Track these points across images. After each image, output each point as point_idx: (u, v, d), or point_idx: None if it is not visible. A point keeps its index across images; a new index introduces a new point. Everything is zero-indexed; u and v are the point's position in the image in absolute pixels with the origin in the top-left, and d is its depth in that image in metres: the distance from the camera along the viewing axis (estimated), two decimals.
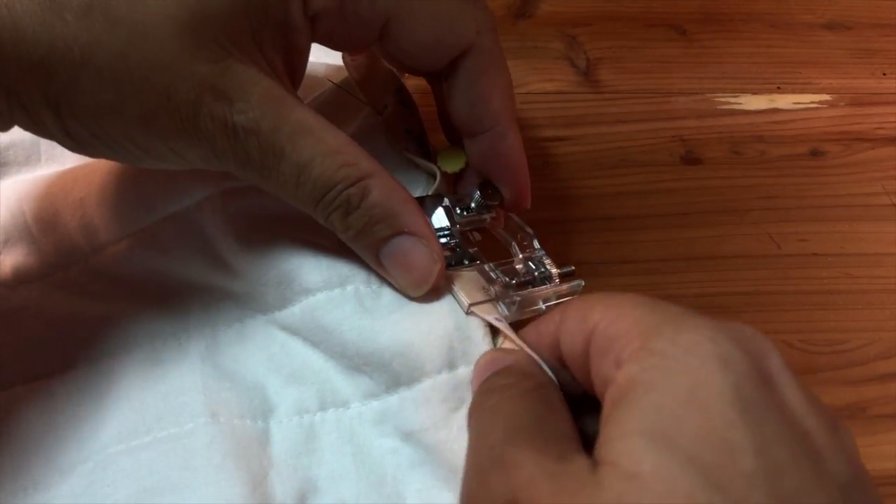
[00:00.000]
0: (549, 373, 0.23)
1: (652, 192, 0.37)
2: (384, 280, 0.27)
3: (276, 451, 0.25)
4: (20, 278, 0.29)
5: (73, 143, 0.23)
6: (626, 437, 0.18)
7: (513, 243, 0.29)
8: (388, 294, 0.27)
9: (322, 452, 0.25)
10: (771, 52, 0.42)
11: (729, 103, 0.40)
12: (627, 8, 0.44)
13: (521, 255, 0.29)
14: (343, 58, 0.32)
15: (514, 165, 0.29)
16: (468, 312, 0.26)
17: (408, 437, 0.25)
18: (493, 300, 0.27)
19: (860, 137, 0.39)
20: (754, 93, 0.40)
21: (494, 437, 0.20)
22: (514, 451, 0.19)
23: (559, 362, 0.23)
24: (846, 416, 0.30)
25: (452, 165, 0.29)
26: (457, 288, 0.27)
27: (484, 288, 0.27)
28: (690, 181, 0.37)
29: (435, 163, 0.30)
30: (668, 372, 0.18)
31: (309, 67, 0.31)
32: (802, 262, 0.34)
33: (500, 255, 0.29)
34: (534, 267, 0.28)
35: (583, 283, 0.27)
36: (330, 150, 0.24)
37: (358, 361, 0.26)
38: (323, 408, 0.26)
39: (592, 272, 0.33)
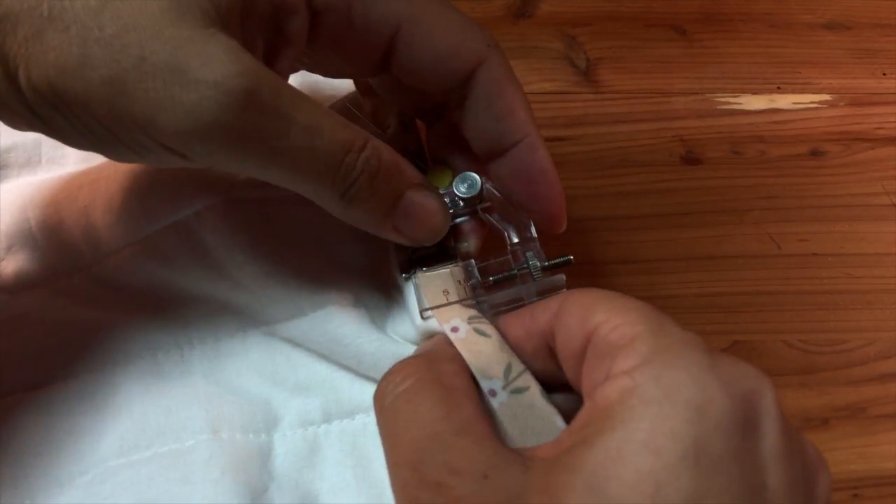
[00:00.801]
0: (494, 408, 0.22)
1: (652, 192, 0.37)
2: (392, 297, 0.27)
3: (278, 464, 0.25)
4: (22, 284, 0.28)
5: (39, 122, 0.21)
6: (570, 471, 0.18)
7: (505, 232, 0.28)
8: (396, 311, 0.27)
9: (324, 466, 0.25)
10: (771, 52, 0.42)
11: (729, 103, 0.40)
12: (627, 8, 0.44)
13: (512, 246, 0.27)
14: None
15: (547, 179, 0.27)
16: (423, 317, 0.25)
17: None
18: (451, 304, 0.26)
19: (860, 137, 0.39)
20: (754, 93, 0.40)
21: (407, 450, 0.20)
22: (436, 471, 0.19)
23: (547, 351, 0.23)
24: (846, 416, 0.30)
25: (439, 184, 0.29)
26: (420, 293, 0.26)
27: (445, 291, 0.26)
28: (690, 181, 0.37)
29: None
30: (638, 413, 0.18)
31: (312, 81, 0.30)
32: (802, 262, 0.34)
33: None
34: (524, 260, 0.27)
35: (564, 279, 0.26)
36: (329, 113, 0.23)
37: (374, 373, 0.26)
38: (327, 419, 0.26)
39: (592, 272, 0.33)
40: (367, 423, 0.25)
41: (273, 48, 0.24)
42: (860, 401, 0.30)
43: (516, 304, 0.26)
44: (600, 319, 0.21)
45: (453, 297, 0.26)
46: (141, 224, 0.29)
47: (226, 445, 0.24)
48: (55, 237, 0.29)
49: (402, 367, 0.22)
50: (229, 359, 0.27)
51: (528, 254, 0.27)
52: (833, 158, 0.38)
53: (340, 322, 0.26)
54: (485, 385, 0.22)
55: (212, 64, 0.20)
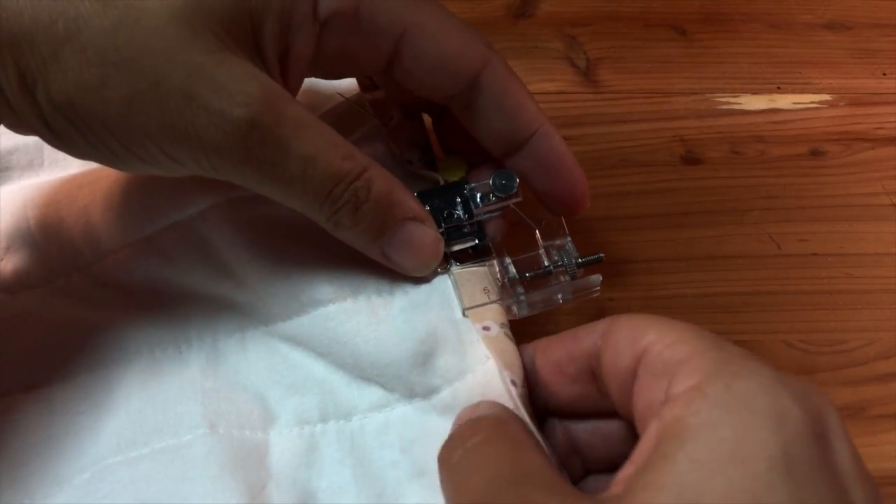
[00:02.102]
0: (517, 401, 0.22)
1: (652, 192, 0.37)
2: (394, 288, 0.27)
3: (275, 462, 0.25)
4: (22, 284, 0.28)
5: (50, 134, 0.22)
6: (653, 489, 0.17)
7: (536, 230, 0.28)
8: (399, 302, 0.27)
9: (322, 464, 0.25)
10: (771, 52, 0.42)
11: (729, 103, 0.40)
12: (627, 8, 0.44)
13: (543, 242, 0.28)
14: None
15: (568, 163, 0.28)
16: (464, 315, 0.26)
17: (411, 446, 0.25)
18: (493, 302, 0.26)
19: (860, 137, 0.39)
20: (754, 93, 0.40)
21: (474, 493, 0.20)
22: None
23: (589, 374, 0.22)
24: (846, 416, 0.30)
25: (454, 175, 0.29)
26: (458, 289, 0.27)
27: (486, 289, 0.27)
28: (690, 181, 0.37)
29: (437, 172, 0.30)
30: (717, 422, 0.17)
31: (314, 83, 0.31)
32: (802, 262, 0.34)
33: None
34: (557, 257, 0.28)
35: (601, 279, 0.27)
36: (331, 142, 0.24)
37: (371, 372, 0.26)
38: (324, 419, 0.26)
39: (592, 272, 0.33)
40: (365, 425, 0.25)
41: (284, 64, 0.25)
42: (860, 401, 0.30)
43: (552, 304, 0.27)
44: (652, 338, 0.20)
45: (494, 296, 0.26)
46: (142, 223, 0.29)
47: (223, 441, 0.24)
48: (55, 237, 0.29)
49: (470, 426, 0.22)
50: (227, 357, 0.27)
51: (562, 251, 0.28)
52: (833, 158, 0.38)
53: (339, 320, 0.26)
54: (506, 376, 0.23)
55: (220, 92, 0.21)
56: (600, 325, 0.22)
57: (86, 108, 0.21)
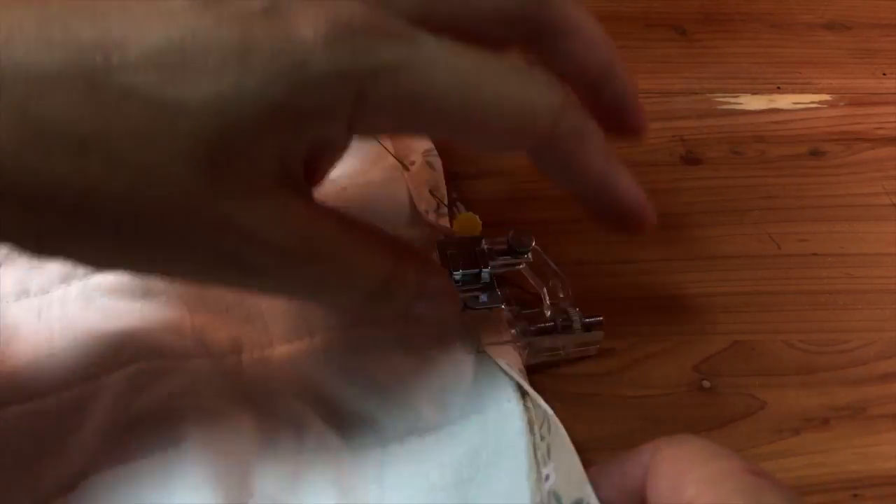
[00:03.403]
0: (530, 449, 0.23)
1: (652, 192, 0.36)
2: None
3: (258, 482, 0.24)
4: (19, 293, 0.28)
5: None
6: None
7: (544, 289, 0.30)
8: (421, 334, 0.27)
9: (305, 492, 0.24)
10: (771, 52, 0.42)
11: (729, 103, 0.40)
12: (627, 8, 0.44)
13: (548, 302, 0.29)
14: None
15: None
16: (480, 351, 0.27)
17: (401, 486, 0.24)
18: (509, 341, 0.27)
19: (860, 137, 0.39)
20: (754, 93, 0.40)
21: None
22: None
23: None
24: (846, 416, 0.30)
25: (468, 232, 0.30)
26: (474, 328, 0.27)
27: (500, 331, 0.28)
28: (690, 181, 0.37)
29: (451, 225, 0.31)
30: None
31: None
32: (802, 262, 0.34)
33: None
34: (560, 317, 0.29)
35: (602, 335, 0.29)
36: (369, 250, 0.23)
37: (374, 401, 0.26)
38: (315, 450, 0.25)
39: (593, 272, 0.33)
40: (353, 461, 0.25)
41: (311, 171, 0.23)
42: (860, 401, 0.30)
43: (555, 356, 0.29)
44: (691, 494, 0.19)
45: (506, 337, 0.27)
46: None
47: (210, 448, 0.24)
48: None
49: None
50: (220, 378, 0.27)
51: (569, 311, 0.29)
52: (833, 158, 0.38)
53: (360, 342, 0.27)
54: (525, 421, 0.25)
55: (248, 242, 0.20)
56: (644, 456, 0.21)
57: (97, 260, 0.20)
